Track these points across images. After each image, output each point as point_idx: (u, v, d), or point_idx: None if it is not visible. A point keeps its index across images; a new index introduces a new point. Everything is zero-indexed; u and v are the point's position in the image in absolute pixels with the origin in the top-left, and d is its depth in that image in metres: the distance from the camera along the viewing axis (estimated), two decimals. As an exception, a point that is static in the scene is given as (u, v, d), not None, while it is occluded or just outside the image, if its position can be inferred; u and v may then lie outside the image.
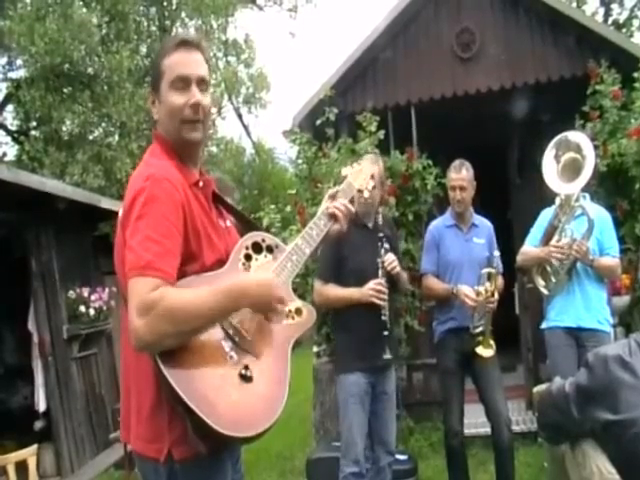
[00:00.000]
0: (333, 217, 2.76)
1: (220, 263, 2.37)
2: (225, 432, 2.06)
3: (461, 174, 5.26)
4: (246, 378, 2.22)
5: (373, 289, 4.50)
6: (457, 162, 5.36)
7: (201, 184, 2.42)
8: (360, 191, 3.08)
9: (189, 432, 2.13)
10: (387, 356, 4.63)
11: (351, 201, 2.94)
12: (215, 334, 2.22)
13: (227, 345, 2.24)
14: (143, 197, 2.18)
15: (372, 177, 3.18)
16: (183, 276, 2.21)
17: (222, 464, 2.36)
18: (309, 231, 2.68)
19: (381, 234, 4.67)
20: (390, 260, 4.66)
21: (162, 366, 2.07)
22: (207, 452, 2.18)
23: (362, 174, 3.12)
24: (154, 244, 2.13)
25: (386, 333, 4.57)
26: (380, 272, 4.58)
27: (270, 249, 2.54)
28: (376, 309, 4.53)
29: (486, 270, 5.05)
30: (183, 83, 2.37)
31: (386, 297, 4.54)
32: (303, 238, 2.64)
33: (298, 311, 2.52)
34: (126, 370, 2.42)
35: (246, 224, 2.72)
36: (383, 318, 4.56)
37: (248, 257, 2.47)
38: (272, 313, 2.35)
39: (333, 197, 2.87)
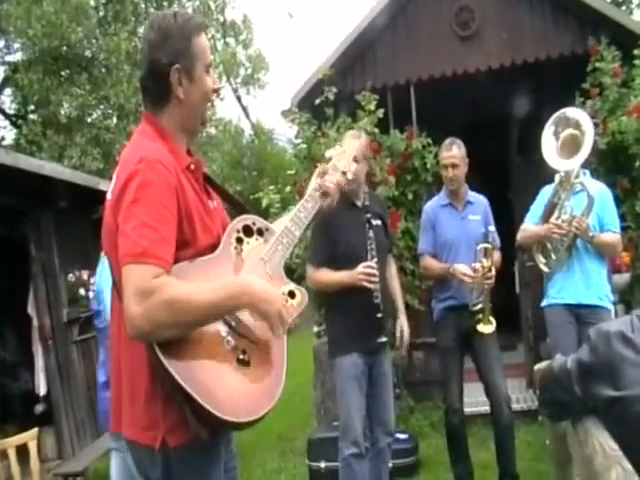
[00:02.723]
0: (324, 194, 2.79)
1: (213, 247, 2.34)
2: (226, 418, 2.07)
3: (452, 152, 5.25)
4: (244, 363, 2.22)
5: (363, 272, 4.41)
6: (448, 140, 5.36)
7: (192, 167, 2.36)
8: (344, 173, 3.10)
9: (190, 419, 2.11)
10: (382, 339, 4.63)
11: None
12: None
13: (224, 330, 2.22)
14: (137, 180, 2.12)
15: (355, 159, 3.25)
16: (176, 262, 2.17)
17: (216, 449, 2.35)
18: (298, 214, 2.68)
19: (368, 214, 4.61)
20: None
21: (160, 354, 2.04)
22: (208, 438, 2.17)
23: (345, 155, 3.16)
24: (150, 230, 2.08)
25: (380, 315, 4.53)
26: (370, 254, 4.53)
27: (260, 232, 2.52)
28: (368, 292, 4.47)
29: (482, 246, 5.03)
30: (209, 68, 2.41)
31: (377, 279, 4.47)
32: (292, 221, 2.64)
33: (291, 294, 2.51)
34: (116, 357, 2.37)
35: (236, 206, 2.71)
36: (376, 301, 4.51)
37: (239, 240, 2.44)
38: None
39: (323, 174, 2.89)
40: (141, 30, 18.78)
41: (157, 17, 2.40)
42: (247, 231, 2.48)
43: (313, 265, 4.71)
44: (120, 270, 2.10)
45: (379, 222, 4.76)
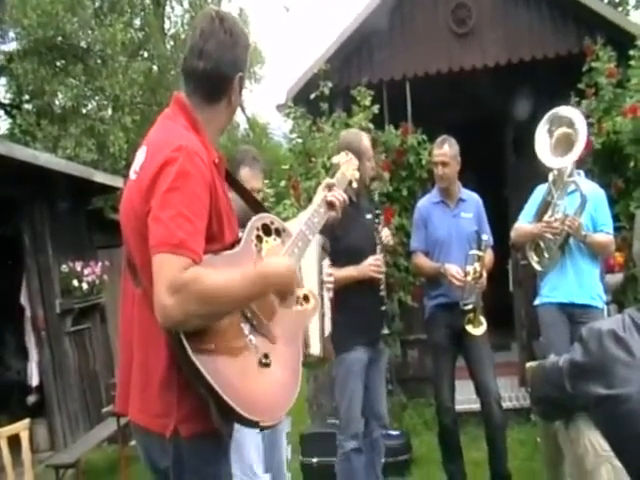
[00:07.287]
0: (331, 206, 2.87)
1: (234, 244, 2.37)
2: (246, 415, 2.10)
3: (442, 150, 5.25)
4: (265, 364, 2.26)
5: (373, 264, 4.55)
6: (440, 138, 5.37)
7: (217, 161, 2.37)
8: (350, 182, 3.23)
9: (212, 411, 2.14)
10: (385, 331, 4.72)
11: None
12: (235, 317, 2.23)
13: (246, 328, 2.26)
14: (175, 168, 2.13)
15: (358, 169, 3.35)
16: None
17: (225, 441, 2.37)
18: (312, 219, 2.73)
19: (378, 210, 4.78)
20: (386, 234, 4.74)
21: (189, 349, 2.06)
22: (228, 433, 2.27)
23: (351, 164, 3.28)
24: (187, 222, 2.09)
25: (384, 308, 4.65)
26: (379, 248, 4.64)
27: (278, 232, 2.55)
28: (373, 285, 4.58)
29: (473, 252, 5.07)
30: None
31: (384, 272, 4.63)
32: (307, 225, 2.68)
33: (306, 298, 2.57)
34: (127, 344, 2.38)
35: (254, 204, 2.72)
36: (381, 293, 4.64)
37: (259, 238, 2.47)
38: (290, 296, 2.40)
39: (330, 187, 2.95)
40: (137, 21, 18.75)
41: (224, 16, 2.41)
42: (266, 230, 2.51)
43: None
44: (145, 254, 2.13)
45: (369, 216, 4.80)
